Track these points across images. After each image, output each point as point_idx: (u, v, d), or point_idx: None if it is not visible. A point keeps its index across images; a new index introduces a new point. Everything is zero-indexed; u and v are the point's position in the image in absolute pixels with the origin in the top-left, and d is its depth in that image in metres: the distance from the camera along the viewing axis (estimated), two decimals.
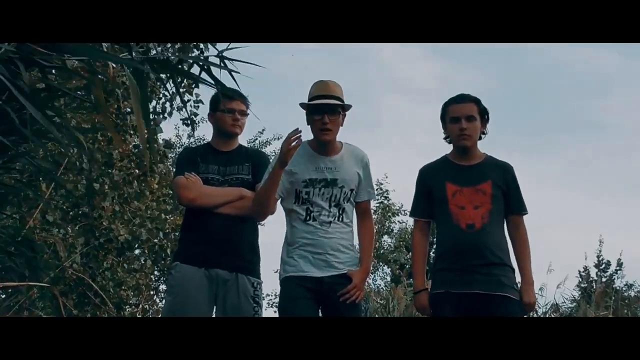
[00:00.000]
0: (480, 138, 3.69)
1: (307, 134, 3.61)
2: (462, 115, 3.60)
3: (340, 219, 3.54)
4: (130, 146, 7.72)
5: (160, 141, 8.22)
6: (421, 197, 3.73)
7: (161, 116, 8.19)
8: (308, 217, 3.52)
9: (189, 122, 8.56)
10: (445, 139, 3.75)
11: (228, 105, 3.81)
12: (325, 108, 3.47)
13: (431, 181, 3.68)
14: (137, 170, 7.96)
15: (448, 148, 3.77)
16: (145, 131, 2.64)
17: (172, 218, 8.80)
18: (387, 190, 22.12)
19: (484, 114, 3.67)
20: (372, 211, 3.81)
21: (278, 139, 21.71)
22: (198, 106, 8.54)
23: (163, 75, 3.59)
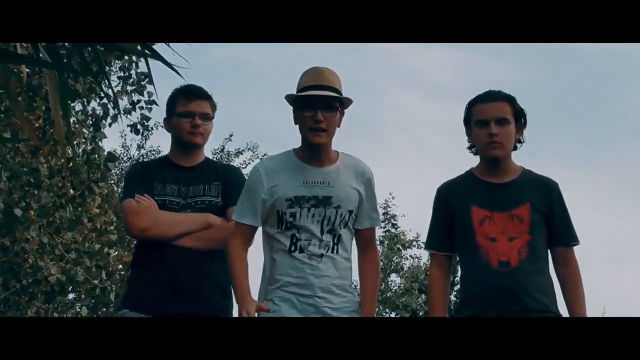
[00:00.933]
0: (515, 147, 3.66)
1: (291, 141, 3.61)
2: (491, 118, 3.58)
3: (335, 250, 3.50)
4: (63, 160, 7.67)
5: (103, 152, 8.18)
6: (440, 225, 3.70)
7: (103, 121, 8.16)
8: (293, 248, 3.48)
9: (138, 128, 8.51)
10: (469, 148, 3.73)
11: (185, 108, 3.82)
12: (318, 102, 3.44)
13: (453, 204, 3.66)
14: (72, 191, 7.90)
15: (473, 160, 3.75)
16: (64, 125, 2.61)
17: (117, 253, 8.75)
18: (394, 216, 22.07)
19: (519, 116, 3.65)
20: (377, 242, 3.78)
21: (250, 149, 21.78)
22: (151, 108, 8.55)
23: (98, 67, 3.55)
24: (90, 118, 8.22)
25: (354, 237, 3.61)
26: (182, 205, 3.79)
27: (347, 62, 26.51)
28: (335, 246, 3.51)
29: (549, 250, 3.64)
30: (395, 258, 21.20)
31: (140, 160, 5.05)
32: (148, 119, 8.58)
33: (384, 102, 28.64)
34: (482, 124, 3.59)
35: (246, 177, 3.80)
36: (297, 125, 3.52)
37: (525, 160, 3.75)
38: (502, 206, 3.57)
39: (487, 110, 3.60)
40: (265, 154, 20.90)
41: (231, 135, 21.84)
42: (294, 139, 3.57)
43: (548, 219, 3.59)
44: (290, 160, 3.54)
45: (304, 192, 3.49)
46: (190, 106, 3.81)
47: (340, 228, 3.51)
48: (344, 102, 3.52)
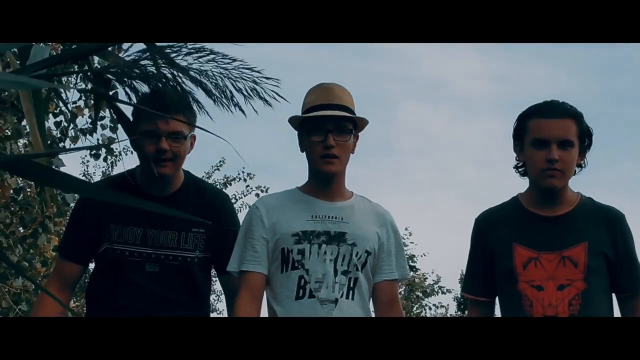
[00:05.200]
0: (574, 172, 3.59)
1: (295, 174, 3.62)
2: (553, 139, 3.49)
3: (351, 296, 3.50)
4: (11, 190, 7.61)
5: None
6: (479, 265, 3.68)
7: (61, 144, 8.05)
8: (301, 293, 3.46)
9: (99, 152, 8.34)
10: (517, 167, 3.67)
11: (149, 125, 3.54)
12: (328, 124, 3.47)
13: (493, 240, 3.63)
14: (21, 229, 7.80)
15: (510, 191, 3.71)
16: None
17: (78, 303, 8.68)
18: (412, 257, 21.87)
19: (584, 137, 3.58)
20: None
21: (244, 179, 21.61)
22: (117, 127, 8.33)
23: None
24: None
25: (371, 293, 3.59)
26: (146, 256, 3.61)
27: (354, 69, 26.58)
28: (352, 290, 3.49)
29: (613, 299, 3.60)
30: (415, 308, 21.06)
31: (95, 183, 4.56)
32: (112, 140, 8.24)
33: (399, 119, 28.65)
34: (541, 144, 3.51)
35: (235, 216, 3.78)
36: (305, 153, 3.56)
37: (581, 188, 3.70)
38: (552, 245, 3.53)
39: (548, 128, 3.51)
40: (260, 186, 20.72)
41: (222, 161, 21.50)
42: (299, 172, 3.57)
43: (610, 262, 3.54)
44: (295, 195, 3.58)
45: (313, 226, 3.50)
46: (154, 123, 3.52)
47: (357, 270, 3.50)
48: (358, 124, 3.55)
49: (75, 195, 7.59)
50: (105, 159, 8.40)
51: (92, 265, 3.86)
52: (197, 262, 3.64)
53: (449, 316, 20.19)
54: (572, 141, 3.50)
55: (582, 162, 3.60)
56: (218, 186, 21.27)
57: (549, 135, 3.49)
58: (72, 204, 7.73)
